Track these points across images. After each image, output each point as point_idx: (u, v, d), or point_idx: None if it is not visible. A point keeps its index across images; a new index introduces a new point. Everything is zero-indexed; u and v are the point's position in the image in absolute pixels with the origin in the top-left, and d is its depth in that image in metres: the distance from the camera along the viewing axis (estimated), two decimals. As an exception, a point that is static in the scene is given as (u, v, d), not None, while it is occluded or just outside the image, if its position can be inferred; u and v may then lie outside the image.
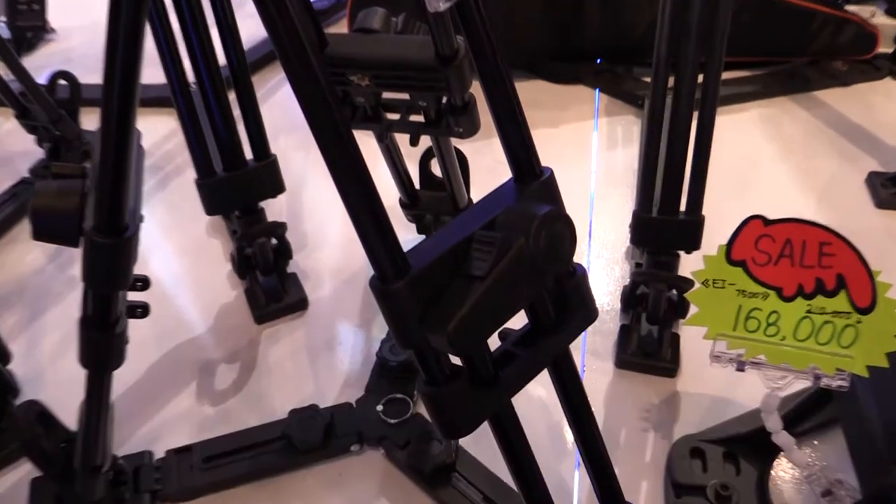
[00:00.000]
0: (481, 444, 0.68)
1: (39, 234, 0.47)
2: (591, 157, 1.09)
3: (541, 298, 0.41)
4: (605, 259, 0.92)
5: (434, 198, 0.80)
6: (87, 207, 0.47)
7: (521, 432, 0.43)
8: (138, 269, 0.50)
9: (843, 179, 1.01)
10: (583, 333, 0.82)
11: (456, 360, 0.39)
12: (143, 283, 0.53)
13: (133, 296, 0.52)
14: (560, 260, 0.38)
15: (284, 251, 0.87)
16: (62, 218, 0.46)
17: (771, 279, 0.51)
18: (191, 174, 0.78)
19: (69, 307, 0.88)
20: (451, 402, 0.39)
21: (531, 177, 0.40)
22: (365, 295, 0.88)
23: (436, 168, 0.77)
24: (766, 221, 0.51)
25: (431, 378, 0.38)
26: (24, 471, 0.69)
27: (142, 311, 0.53)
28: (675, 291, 0.75)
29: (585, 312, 0.43)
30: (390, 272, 0.35)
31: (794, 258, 0.50)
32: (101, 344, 0.49)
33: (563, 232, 0.37)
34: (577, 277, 0.42)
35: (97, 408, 0.52)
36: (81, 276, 0.47)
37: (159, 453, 0.69)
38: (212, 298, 0.88)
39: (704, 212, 0.73)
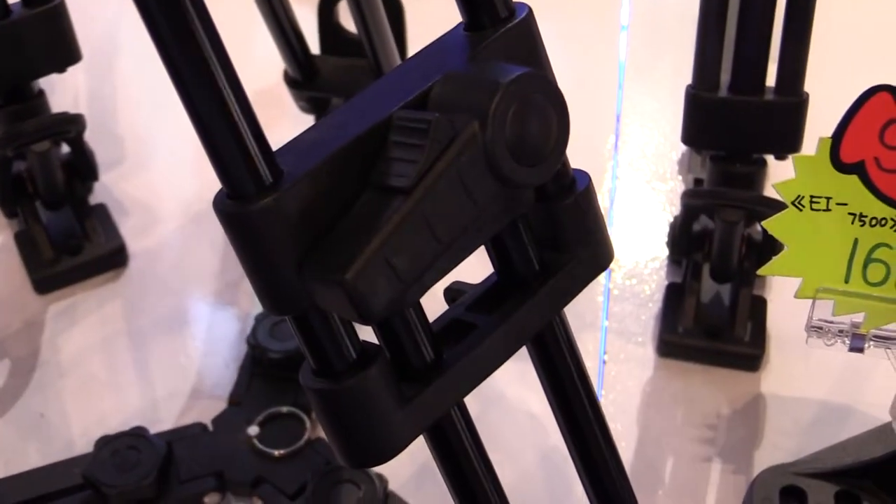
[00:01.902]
0: (429, 486, 0.69)
1: None
2: (622, -2, 1.10)
3: (512, 230, 0.42)
4: (642, 172, 0.93)
5: (344, 68, 0.80)
6: None
7: (481, 458, 0.44)
8: None
9: None
10: (601, 297, 0.85)
11: (370, 336, 0.40)
12: None
13: None
14: (541, 161, 0.38)
15: (84, 167, 0.86)
16: None
17: (908, 195, 0.53)
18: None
19: None
20: (359, 407, 0.39)
21: (493, 20, 0.40)
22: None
23: (347, 19, 0.77)
24: (901, 95, 0.52)
25: (324, 366, 0.39)
26: None
27: None
28: (759, 226, 0.77)
29: (591, 255, 0.44)
30: (247, 182, 0.35)
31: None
32: None
33: (545, 111, 0.38)
34: (577, 195, 0.43)
35: None
36: None
37: None
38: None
39: (809, 89, 0.73)
